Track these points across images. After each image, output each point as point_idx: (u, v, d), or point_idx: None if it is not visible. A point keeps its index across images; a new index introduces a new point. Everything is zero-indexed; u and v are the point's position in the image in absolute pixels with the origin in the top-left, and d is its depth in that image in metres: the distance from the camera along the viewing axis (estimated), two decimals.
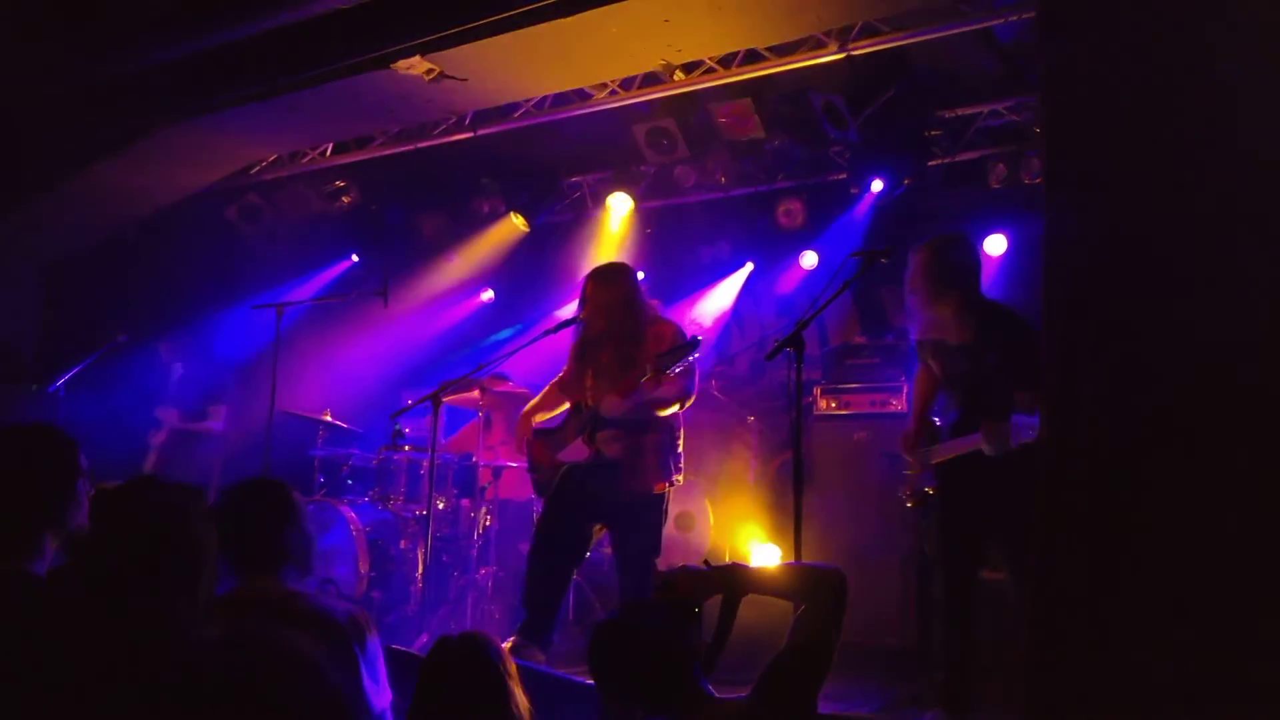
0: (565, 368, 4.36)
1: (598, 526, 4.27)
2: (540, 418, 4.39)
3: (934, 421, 4.01)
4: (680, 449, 4.20)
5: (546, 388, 4.44)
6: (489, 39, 4.09)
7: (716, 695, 1.93)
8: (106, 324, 6.20)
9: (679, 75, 4.78)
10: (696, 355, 3.83)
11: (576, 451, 4.08)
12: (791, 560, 2.01)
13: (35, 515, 2.11)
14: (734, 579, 2.03)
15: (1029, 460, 3.44)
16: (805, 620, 1.96)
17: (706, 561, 2.06)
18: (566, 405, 4.39)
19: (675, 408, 4.05)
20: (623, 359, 4.05)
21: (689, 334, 4.14)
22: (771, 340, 3.18)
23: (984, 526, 3.61)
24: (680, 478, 4.22)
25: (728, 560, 4.26)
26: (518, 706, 1.95)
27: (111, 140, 5.57)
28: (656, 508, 4.10)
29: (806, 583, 2.02)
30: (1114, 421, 2.15)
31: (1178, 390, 2.10)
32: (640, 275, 4.63)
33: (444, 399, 4.81)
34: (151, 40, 4.80)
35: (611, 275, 4.22)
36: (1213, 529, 1.97)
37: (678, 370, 3.74)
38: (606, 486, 4.05)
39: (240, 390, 6.41)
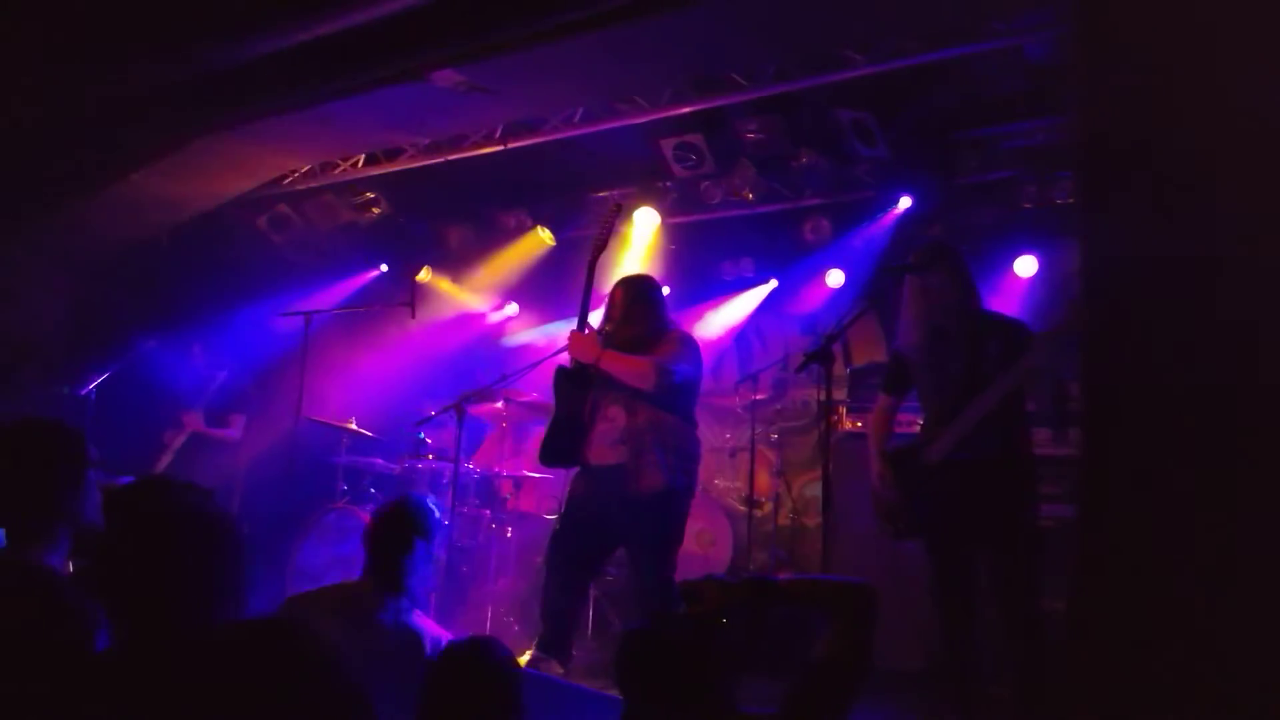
0: None
1: (614, 540, 4.23)
2: None
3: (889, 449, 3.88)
4: (688, 454, 4.10)
5: None
6: (521, 52, 4.12)
7: (744, 709, 1.91)
8: (135, 328, 6.29)
9: (708, 90, 4.79)
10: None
11: (604, 453, 4.05)
12: (821, 574, 1.98)
13: (46, 506, 2.15)
14: (763, 591, 2.00)
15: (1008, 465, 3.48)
16: (837, 635, 1.92)
17: (734, 572, 2.04)
18: None
19: (643, 379, 3.95)
20: (629, 349, 4.04)
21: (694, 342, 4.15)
22: (798, 355, 3.15)
23: (972, 534, 3.51)
24: (691, 485, 4.13)
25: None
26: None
27: (149, 150, 5.66)
28: (663, 508, 3.99)
29: (838, 596, 1.99)
30: (1154, 435, 2.14)
31: (1219, 403, 2.08)
32: (665, 290, 4.65)
33: (467, 409, 4.84)
34: (190, 52, 4.88)
35: (636, 282, 4.25)
36: (1259, 541, 1.94)
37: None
38: (612, 491, 4.01)
39: (259, 398, 6.46)
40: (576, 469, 4.21)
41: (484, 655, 1.96)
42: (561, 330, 4.58)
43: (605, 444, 4.05)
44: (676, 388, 3.97)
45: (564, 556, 4.17)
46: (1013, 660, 3.37)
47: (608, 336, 4.11)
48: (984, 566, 3.54)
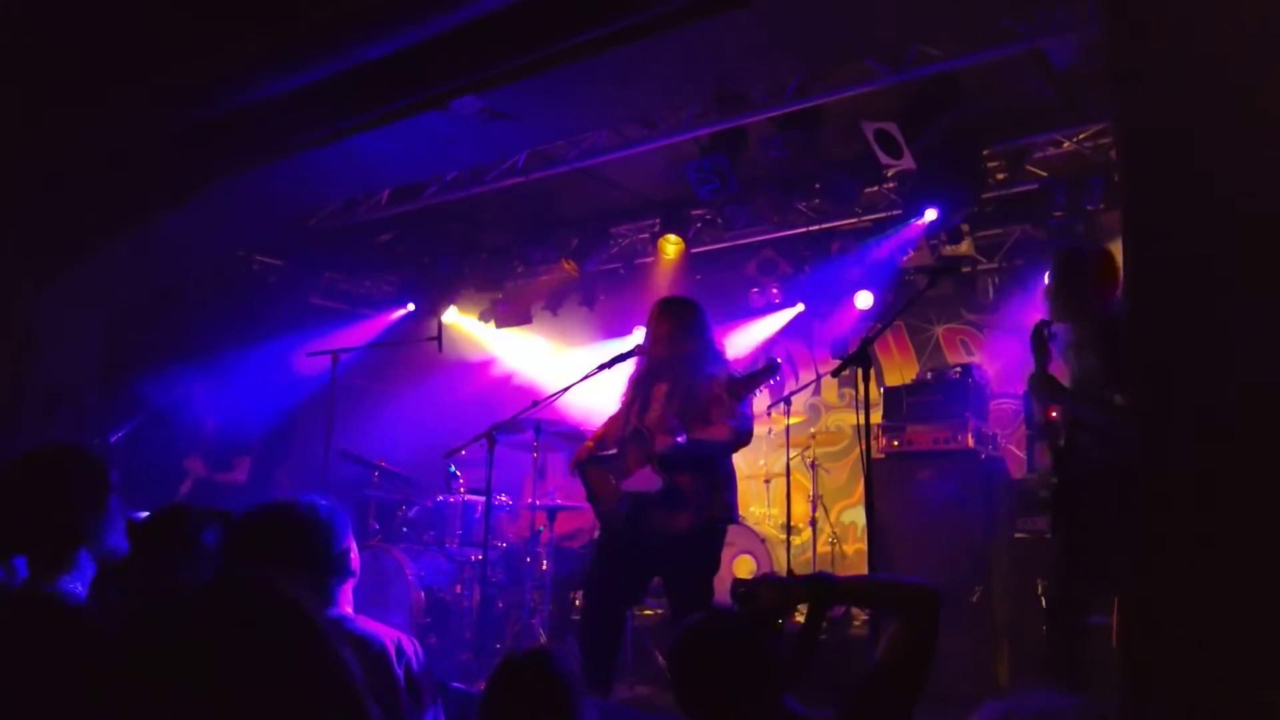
0: (624, 394, 4.27)
1: (651, 571, 4.14)
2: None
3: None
4: (727, 485, 4.04)
5: (609, 418, 4.33)
6: (541, 74, 4.10)
7: (801, 711, 1.80)
8: (163, 374, 6.31)
9: (730, 109, 4.76)
10: (775, 379, 3.70)
11: (643, 479, 3.95)
12: (887, 575, 1.89)
13: (69, 532, 2.11)
14: (821, 590, 1.90)
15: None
16: (900, 638, 1.83)
17: (791, 571, 1.94)
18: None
19: (728, 448, 3.94)
20: (683, 391, 3.95)
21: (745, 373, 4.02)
22: (833, 363, 3.07)
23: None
24: (730, 516, 4.06)
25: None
26: None
27: (173, 192, 5.70)
28: (702, 541, 3.93)
29: (901, 597, 1.90)
30: (1208, 442, 2.11)
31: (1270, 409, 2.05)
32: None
33: (498, 439, 4.76)
34: (212, 93, 4.92)
35: (678, 305, 4.15)
36: None
37: (752, 396, 3.67)
38: (656, 521, 3.93)
39: (287, 439, 6.44)
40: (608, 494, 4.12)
41: (545, 666, 1.87)
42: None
43: (645, 471, 3.96)
44: (748, 428, 3.92)
45: (600, 586, 4.07)
46: None
47: (655, 361, 4.03)
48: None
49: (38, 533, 2.15)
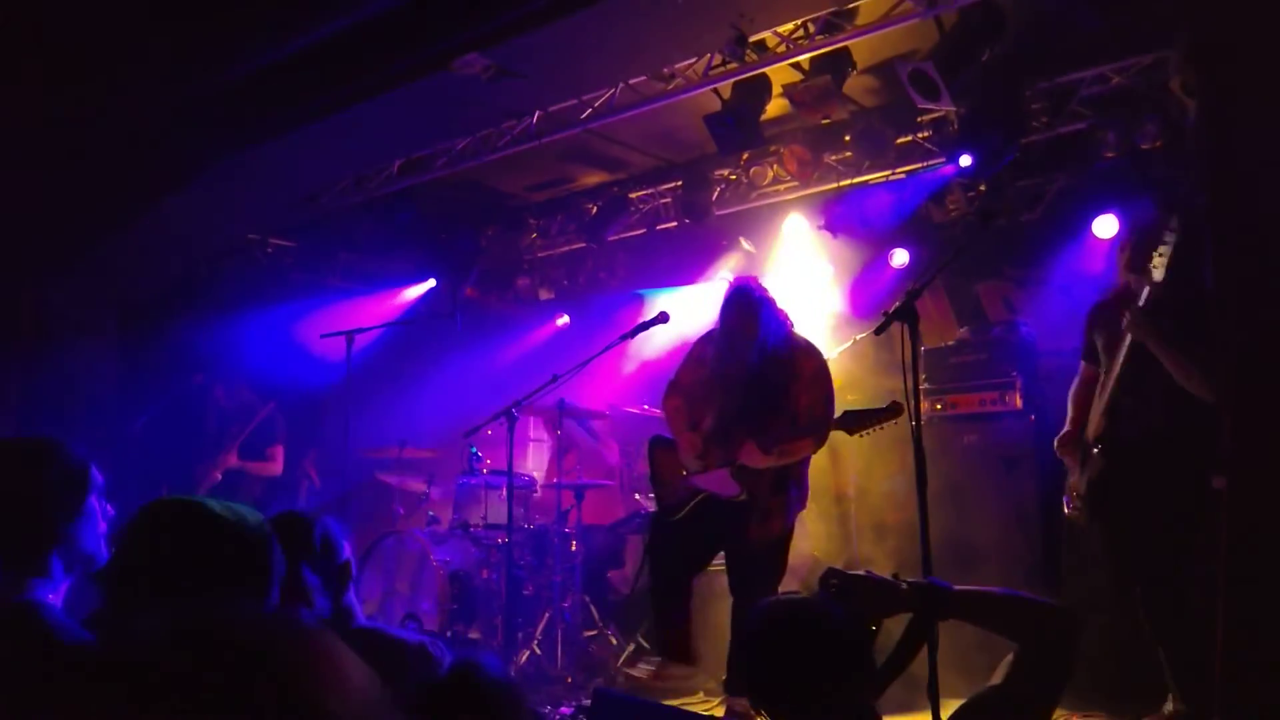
0: (689, 379, 4.14)
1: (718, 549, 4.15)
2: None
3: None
4: (805, 481, 4.08)
5: (674, 404, 4.21)
6: (547, 24, 3.82)
7: None
8: (178, 362, 6.15)
9: (751, 55, 4.44)
10: (895, 422, 3.71)
11: (717, 481, 3.90)
12: (1009, 589, 1.63)
13: (37, 533, 1.89)
14: (933, 600, 1.63)
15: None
16: (1025, 666, 1.57)
17: (897, 574, 1.67)
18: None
19: (810, 450, 3.97)
20: (769, 403, 3.88)
21: (824, 362, 4.02)
22: (878, 317, 2.81)
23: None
24: (802, 504, 4.09)
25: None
26: None
27: (175, 174, 5.51)
28: (780, 548, 3.96)
29: (1029, 619, 1.64)
30: None
31: None
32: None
33: (518, 416, 4.56)
34: (204, 66, 4.71)
35: (758, 304, 3.97)
36: None
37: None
38: (735, 525, 3.91)
39: (296, 425, 6.25)
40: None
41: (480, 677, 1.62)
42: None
43: (721, 474, 3.92)
44: (828, 430, 3.89)
45: (665, 558, 4.06)
46: None
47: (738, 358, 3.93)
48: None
49: (5, 531, 1.95)
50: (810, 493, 5.53)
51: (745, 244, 6.58)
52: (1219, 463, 3.51)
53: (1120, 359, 3.63)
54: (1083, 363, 4.04)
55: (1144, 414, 3.62)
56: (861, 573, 1.64)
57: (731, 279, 4.20)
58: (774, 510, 3.87)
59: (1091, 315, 3.99)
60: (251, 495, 5.73)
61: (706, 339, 4.15)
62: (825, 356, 4.12)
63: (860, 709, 1.53)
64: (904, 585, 1.63)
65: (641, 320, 4.47)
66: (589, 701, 3.88)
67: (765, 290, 4.03)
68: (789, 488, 3.90)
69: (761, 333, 3.88)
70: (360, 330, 5.48)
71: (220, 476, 5.85)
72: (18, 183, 5.14)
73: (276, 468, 6.02)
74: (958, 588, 1.65)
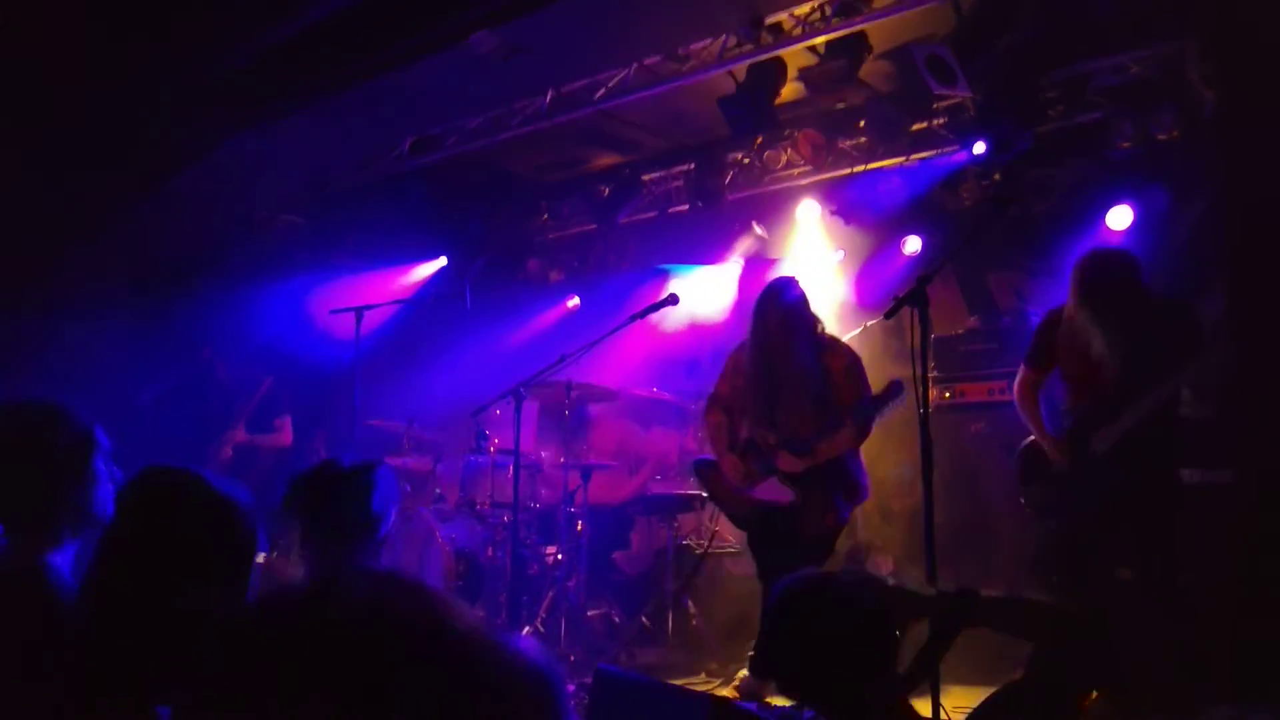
0: (729, 389, 4.18)
1: None
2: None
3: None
4: (860, 468, 4.11)
5: (715, 420, 4.23)
6: (562, 0, 3.81)
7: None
8: (189, 336, 6.17)
9: (766, 38, 4.42)
10: (900, 402, 3.69)
11: (771, 490, 3.96)
12: (1025, 595, 1.62)
13: (44, 497, 1.89)
14: (957, 608, 1.62)
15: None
16: (1048, 671, 1.59)
17: (931, 578, 1.66)
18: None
19: (856, 445, 4.01)
20: (808, 405, 3.91)
21: (856, 356, 4.05)
22: (889, 302, 2.80)
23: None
24: (863, 494, 4.14)
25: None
26: None
27: (189, 150, 5.51)
28: (830, 539, 4.00)
29: (1059, 632, 1.64)
30: None
31: None
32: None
33: (525, 396, 4.56)
34: (223, 44, 4.70)
35: (795, 305, 3.98)
36: None
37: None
38: (789, 528, 3.95)
39: (304, 400, 6.27)
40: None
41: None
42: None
43: (772, 480, 3.97)
44: (871, 425, 3.93)
45: (765, 564, 4.10)
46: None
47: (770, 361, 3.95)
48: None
49: (9, 498, 1.96)
50: None
51: (757, 228, 6.56)
52: (1186, 456, 3.52)
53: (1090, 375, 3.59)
54: (1024, 366, 3.92)
55: (1112, 420, 3.57)
56: (890, 580, 1.64)
57: (768, 281, 4.22)
58: (826, 505, 3.91)
59: (1052, 322, 3.87)
60: (265, 468, 5.77)
61: (742, 347, 4.18)
62: None
63: (897, 702, 1.51)
64: (933, 593, 1.62)
65: (652, 303, 4.45)
66: (590, 680, 3.89)
67: (800, 290, 4.03)
68: (840, 482, 3.93)
69: (796, 335, 3.90)
70: (370, 307, 5.46)
71: (231, 453, 5.86)
72: (30, 159, 5.16)
73: (285, 438, 6.03)
74: (988, 597, 1.63)
